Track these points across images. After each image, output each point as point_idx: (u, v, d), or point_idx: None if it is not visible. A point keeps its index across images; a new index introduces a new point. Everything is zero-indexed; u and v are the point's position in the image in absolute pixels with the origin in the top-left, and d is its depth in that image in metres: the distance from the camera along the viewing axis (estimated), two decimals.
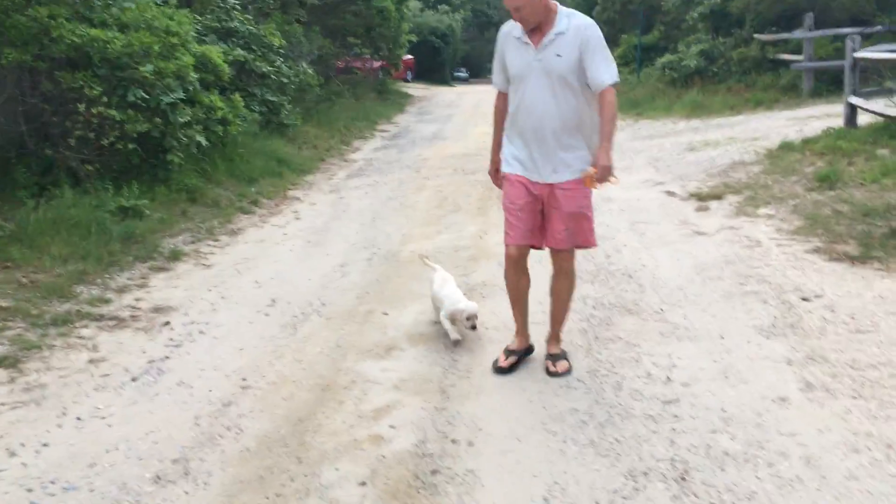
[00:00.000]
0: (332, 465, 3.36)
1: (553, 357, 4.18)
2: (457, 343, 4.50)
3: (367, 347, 4.63)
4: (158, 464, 3.41)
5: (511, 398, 3.88)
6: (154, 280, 5.97)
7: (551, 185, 3.91)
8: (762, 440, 3.37)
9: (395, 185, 9.82)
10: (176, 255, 6.53)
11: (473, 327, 4.45)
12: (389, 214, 8.24)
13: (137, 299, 5.52)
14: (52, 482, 3.25)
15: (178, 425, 3.75)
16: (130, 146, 7.41)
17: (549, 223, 4.01)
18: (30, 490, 3.20)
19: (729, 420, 3.56)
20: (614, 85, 3.79)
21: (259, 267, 6.40)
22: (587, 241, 4.06)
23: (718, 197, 7.81)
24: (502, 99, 4.12)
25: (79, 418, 3.81)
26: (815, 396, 3.71)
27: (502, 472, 3.25)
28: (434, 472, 3.27)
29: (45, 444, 3.55)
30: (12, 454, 3.46)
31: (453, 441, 3.52)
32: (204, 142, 8.47)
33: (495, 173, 4.23)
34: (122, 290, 5.66)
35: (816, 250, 5.92)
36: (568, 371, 4.09)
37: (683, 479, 3.13)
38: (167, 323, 5.09)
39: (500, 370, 4.16)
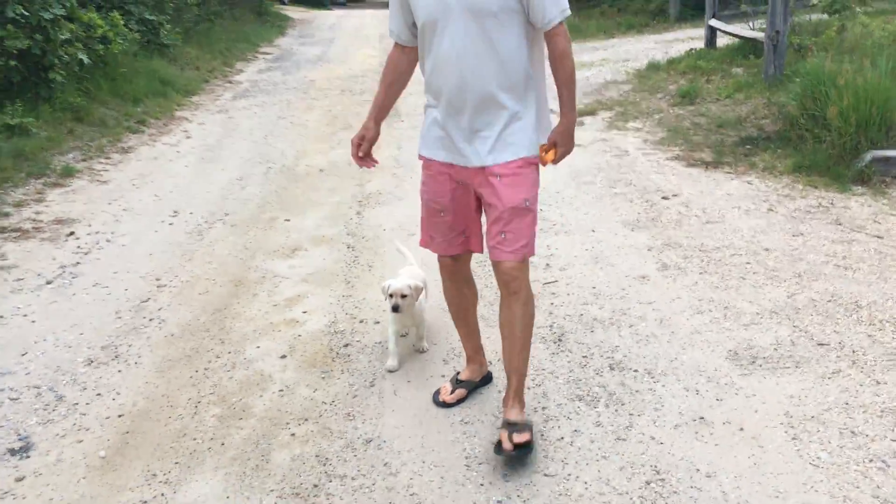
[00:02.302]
0: (253, 344, 3.73)
1: (511, 427, 2.81)
2: (390, 370, 3.46)
3: (273, 249, 4.96)
4: (88, 350, 3.69)
5: None
6: (51, 195, 6.02)
7: (484, 169, 2.75)
8: (625, 308, 3.96)
9: (284, 106, 9.93)
10: (69, 172, 6.56)
11: (395, 308, 3.34)
12: (281, 132, 8.42)
13: (37, 213, 5.60)
14: None
15: (101, 319, 4.01)
16: (11, 63, 7.25)
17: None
18: None
19: (598, 295, 4.14)
20: (565, 20, 2.69)
21: (156, 182, 6.53)
22: (531, 248, 2.82)
23: (592, 113, 8.40)
24: (399, 53, 2.96)
25: (1, 317, 4.00)
26: (670, 274, 4.34)
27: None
28: (346, 346, 3.70)
29: None
30: None
31: (361, 321, 3.95)
32: (86, 59, 8.34)
33: (358, 143, 3.02)
34: (19, 205, 5.71)
35: (676, 157, 6.61)
36: (528, 445, 2.79)
37: (560, 340, 3.68)
38: (72, 233, 5.24)
39: (441, 404, 3.19)
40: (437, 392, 3.26)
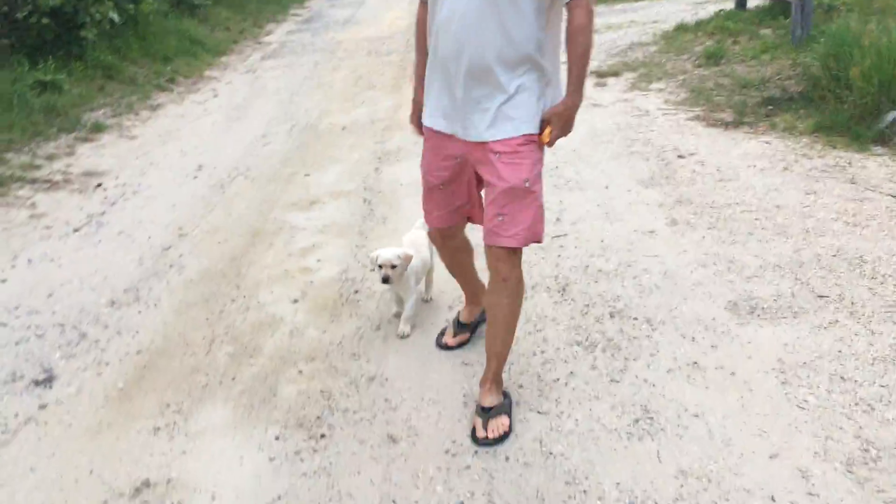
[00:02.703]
0: (267, 289, 3.88)
1: (485, 413, 2.73)
2: (401, 335, 3.39)
3: (292, 202, 5.09)
4: (111, 293, 3.86)
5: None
6: (80, 149, 6.21)
7: (483, 145, 2.56)
8: (630, 261, 4.03)
9: (311, 66, 10.02)
10: (99, 128, 6.74)
11: (384, 280, 3.27)
12: (307, 92, 8.53)
13: (67, 165, 5.79)
14: (17, 308, 3.67)
15: (124, 265, 4.18)
16: (44, 21, 7.43)
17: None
18: None
19: (605, 248, 4.21)
20: None
21: (183, 138, 6.69)
22: (533, 233, 2.63)
23: (616, 74, 8.37)
24: (426, 12, 2.71)
25: (30, 260, 4.19)
26: (678, 229, 4.38)
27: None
28: (356, 292, 3.83)
29: (3, 281, 3.94)
30: None
31: (372, 269, 4.06)
32: (117, 18, 8.50)
33: (418, 122, 2.86)
34: (50, 158, 5.90)
35: (697, 118, 6.59)
36: (505, 434, 2.70)
37: (564, 289, 3.77)
38: (100, 185, 5.42)
39: (443, 347, 3.25)
40: (441, 334, 3.33)
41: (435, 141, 2.72)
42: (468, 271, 3.23)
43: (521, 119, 2.52)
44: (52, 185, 5.36)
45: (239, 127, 7.08)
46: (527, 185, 2.54)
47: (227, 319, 3.59)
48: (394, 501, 2.44)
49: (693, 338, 3.28)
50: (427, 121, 2.74)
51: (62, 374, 3.16)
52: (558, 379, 3.04)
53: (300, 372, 3.15)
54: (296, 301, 3.75)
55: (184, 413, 2.90)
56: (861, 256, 3.89)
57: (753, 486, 2.44)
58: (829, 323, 3.32)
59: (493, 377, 2.82)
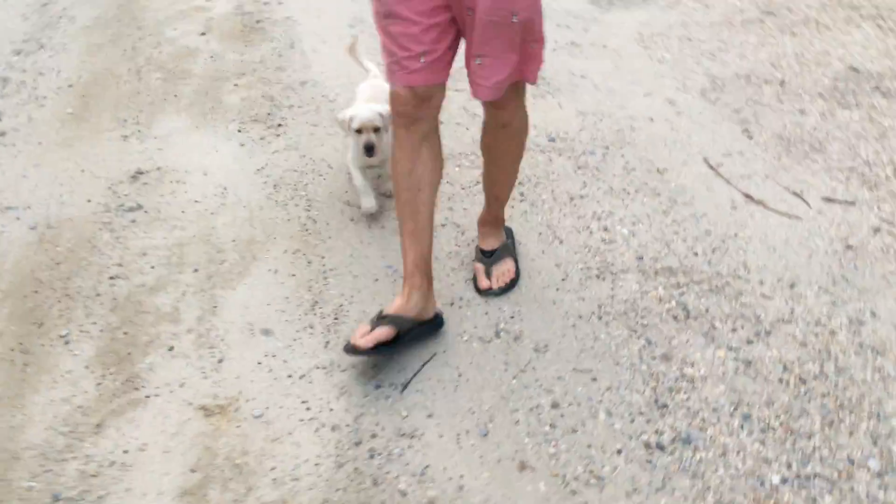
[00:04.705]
0: (169, 27, 4.04)
1: (488, 257, 2.30)
2: (368, 212, 2.58)
3: None
4: (10, 45, 3.89)
5: None
6: None
7: None
8: None
9: None
10: None
11: (369, 149, 2.46)
12: None
13: None
14: None
15: (8, 21, 4.15)
16: None
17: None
18: None
19: None
20: None
21: None
22: (526, 73, 1.99)
23: None
24: None
25: None
26: None
27: (310, 15, 4.11)
28: (258, 22, 4.08)
29: None
30: None
31: (266, 3, 4.29)
32: None
33: None
34: None
35: None
36: (513, 282, 2.27)
37: None
38: None
39: (353, 351, 1.98)
40: (350, 341, 2.00)
41: None
42: (424, 206, 2.06)
43: None
44: None
45: None
46: (514, 20, 1.83)
47: (144, 53, 3.77)
48: None
49: (567, 26, 3.87)
50: None
51: (4, 111, 3.30)
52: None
53: (236, 85, 3.47)
54: (203, 34, 3.96)
55: (143, 124, 3.19)
56: None
57: (636, 113, 3.14)
58: (674, 3, 4.01)
59: (495, 220, 2.33)
